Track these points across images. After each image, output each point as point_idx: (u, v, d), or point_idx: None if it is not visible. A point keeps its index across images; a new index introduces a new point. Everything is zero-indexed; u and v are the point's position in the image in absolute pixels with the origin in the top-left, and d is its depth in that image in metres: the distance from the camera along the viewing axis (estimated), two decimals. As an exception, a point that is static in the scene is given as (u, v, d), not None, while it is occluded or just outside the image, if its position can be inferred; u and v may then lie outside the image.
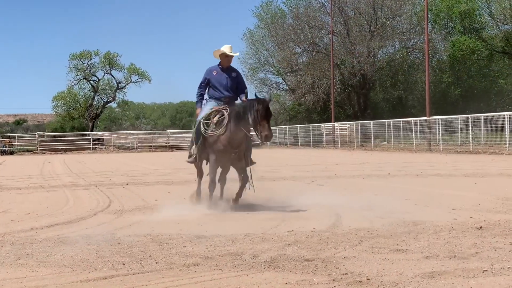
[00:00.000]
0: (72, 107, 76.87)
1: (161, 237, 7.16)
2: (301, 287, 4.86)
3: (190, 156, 10.05)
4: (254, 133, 9.49)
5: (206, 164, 10.05)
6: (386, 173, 17.32)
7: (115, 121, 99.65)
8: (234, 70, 10.19)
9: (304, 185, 11.34)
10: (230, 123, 9.37)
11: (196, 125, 9.83)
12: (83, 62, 76.15)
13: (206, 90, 10.13)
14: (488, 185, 13.22)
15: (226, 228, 7.71)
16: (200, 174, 10.32)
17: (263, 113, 9.00)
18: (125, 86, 77.75)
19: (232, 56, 10.06)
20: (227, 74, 10.00)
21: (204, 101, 10.16)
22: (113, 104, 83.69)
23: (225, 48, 9.97)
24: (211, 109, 9.79)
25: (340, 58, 56.66)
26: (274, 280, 5.04)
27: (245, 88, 10.21)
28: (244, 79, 10.64)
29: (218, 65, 10.09)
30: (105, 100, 78.73)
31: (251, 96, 9.96)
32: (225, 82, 9.94)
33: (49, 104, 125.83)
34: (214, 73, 9.98)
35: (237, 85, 10.05)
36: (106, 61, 76.12)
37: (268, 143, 9.69)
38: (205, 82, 10.01)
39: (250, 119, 9.09)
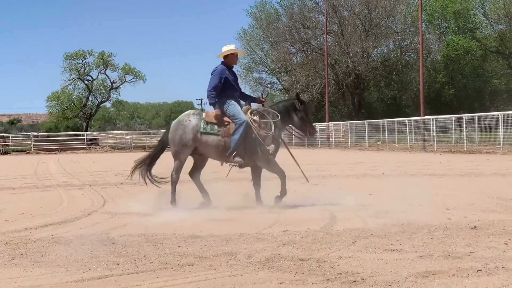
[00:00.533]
0: (66, 107, 76.89)
1: (156, 237, 7.16)
2: (296, 287, 4.86)
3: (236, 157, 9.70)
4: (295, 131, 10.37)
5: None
6: (380, 173, 17.34)
7: (109, 120, 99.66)
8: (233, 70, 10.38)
9: (299, 185, 11.33)
10: (274, 124, 9.76)
11: (244, 127, 9.59)
12: (78, 61, 76.26)
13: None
14: (482, 185, 13.25)
15: (220, 228, 7.72)
16: (177, 180, 10.11)
17: (311, 112, 10.10)
18: (119, 85, 78.04)
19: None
20: (233, 74, 10.27)
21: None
22: (108, 104, 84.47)
23: (232, 47, 10.18)
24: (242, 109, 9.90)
25: (335, 58, 56.72)
26: (269, 280, 5.04)
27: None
28: (239, 79, 10.76)
29: (223, 65, 10.10)
30: (100, 99, 78.92)
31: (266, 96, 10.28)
32: (236, 81, 10.21)
33: (44, 104, 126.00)
34: (227, 72, 10.04)
35: (238, 84, 10.33)
36: (101, 60, 76.22)
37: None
38: (221, 82, 9.89)
39: (296, 118, 9.95)
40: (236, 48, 10.25)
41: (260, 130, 9.61)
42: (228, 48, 10.11)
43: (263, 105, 10.15)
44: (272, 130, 9.61)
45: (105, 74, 77.53)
